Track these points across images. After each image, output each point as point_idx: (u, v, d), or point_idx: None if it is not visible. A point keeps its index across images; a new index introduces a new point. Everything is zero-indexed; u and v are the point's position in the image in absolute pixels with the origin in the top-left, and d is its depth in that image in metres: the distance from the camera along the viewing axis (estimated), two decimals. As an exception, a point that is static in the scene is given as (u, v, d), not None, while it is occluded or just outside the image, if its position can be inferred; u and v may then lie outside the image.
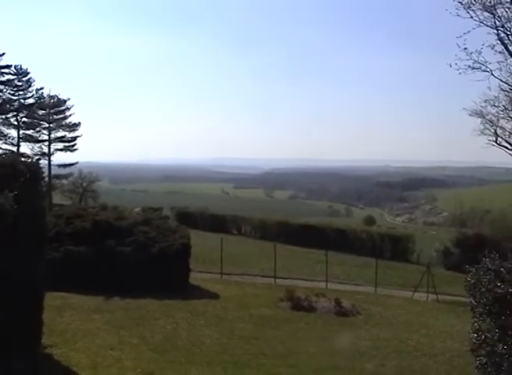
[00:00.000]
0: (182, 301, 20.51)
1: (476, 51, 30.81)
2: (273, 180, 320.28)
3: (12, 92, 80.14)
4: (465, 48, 30.55)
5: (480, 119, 33.54)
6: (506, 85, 32.18)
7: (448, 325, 21.07)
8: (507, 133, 33.10)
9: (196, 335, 16.23)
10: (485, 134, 33.67)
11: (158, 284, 21.18)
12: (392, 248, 47.15)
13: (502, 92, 32.68)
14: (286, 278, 29.85)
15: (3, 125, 79.89)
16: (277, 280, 29.27)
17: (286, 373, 13.73)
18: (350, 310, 21.64)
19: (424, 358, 16.06)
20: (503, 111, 32.96)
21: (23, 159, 11.59)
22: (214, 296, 22.61)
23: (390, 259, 43.08)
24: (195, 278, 24.79)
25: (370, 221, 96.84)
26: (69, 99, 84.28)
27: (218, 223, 56.34)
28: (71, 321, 16.43)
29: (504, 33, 30.45)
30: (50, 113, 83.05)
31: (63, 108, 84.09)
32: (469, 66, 30.92)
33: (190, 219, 55.66)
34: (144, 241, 22.97)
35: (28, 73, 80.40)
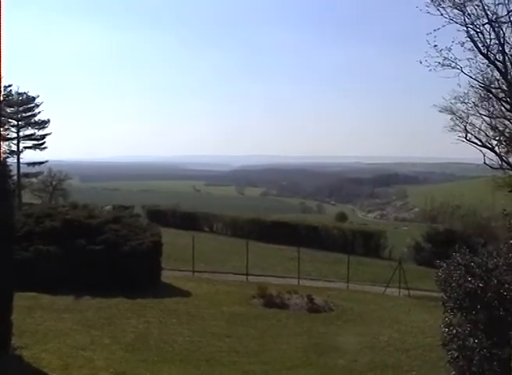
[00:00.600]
0: (153, 299, 20.41)
1: (446, 48, 31.15)
2: (244, 178, 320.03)
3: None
4: (435, 45, 30.87)
5: (450, 116, 33.83)
6: (475, 82, 32.54)
7: (420, 320, 21.25)
8: (477, 129, 33.47)
9: (168, 333, 16.17)
10: (455, 131, 33.99)
11: (130, 283, 21.08)
12: (364, 244, 47.46)
13: (471, 89, 33.04)
14: (258, 275, 29.90)
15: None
16: (249, 277, 29.31)
17: (259, 370, 13.74)
18: (322, 306, 21.72)
19: (396, 353, 16.18)
20: (472, 107, 33.33)
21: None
22: (186, 294, 22.54)
23: (362, 255, 43.36)
24: (167, 276, 24.69)
25: (342, 217, 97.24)
26: (38, 96, 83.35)
27: (189, 221, 56.15)
28: (41, 321, 16.25)
29: (474, 30, 30.85)
30: (18, 111, 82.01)
31: (32, 105, 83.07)
32: (439, 63, 31.27)
33: (161, 217, 55.45)
34: (115, 240, 22.81)
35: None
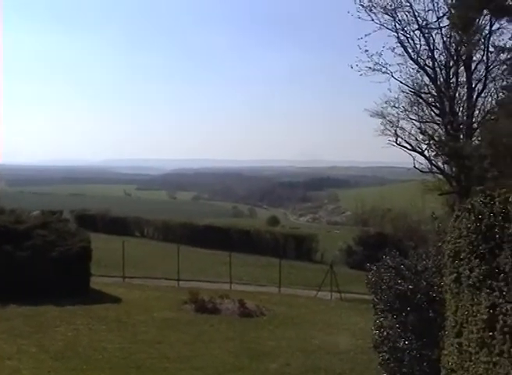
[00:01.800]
0: (83, 306, 20.12)
1: (377, 53, 31.83)
2: (176, 181, 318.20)
3: None
4: (366, 50, 31.45)
5: (381, 120, 34.32)
6: (405, 87, 33.24)
7: (351, 323, 21.52)
8: (407, 133, 34.01)
9: (97, 341, 15.96)
10: (385, 135, 34.41)
11: (58, 290, 20.70)
12: (296, 247, 47.74)
13: (402, 94, 33.65)
14: (189, 280, 29.74)
15: None
16: (181, 282, 29.15)
17: (191, 376, 13.70)
18: (254, 311, 21.78)
19: (328, 356, 16.34)
20: (402, 112, 33.85)
21: None
22: (116, 300, 22.29)
23: (294, 259, 43.59)
24: (96, 282, 24.36)
25: (274, 221, 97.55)
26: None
27: (119, 226, 55.48)
28: (-36, 331, 15.83)
29: (404, 36, 31.69)
30: None
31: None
32: (370, 68, 31.89)
33: (90, 222, 54.53)
34: (43, 245, 22.37)
35: None
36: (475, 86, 31.92)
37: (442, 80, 32.06)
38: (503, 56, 30.99)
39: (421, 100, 33.47)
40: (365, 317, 18.96)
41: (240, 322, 20.29)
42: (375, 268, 12.44)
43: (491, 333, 7.86)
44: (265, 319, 21.16)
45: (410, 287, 11.49)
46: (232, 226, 52.78)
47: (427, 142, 33.47)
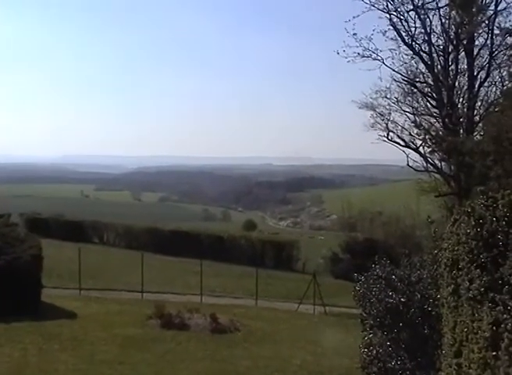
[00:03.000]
0: (32, 322, 19.91)
1: (366, 37, 31.44)
2: (140, 181, 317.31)
3: None
4: (354, 34, 31.19)
5: (370, 113, 34.25)
6: (398, 75, 32.95)
7: (336, 340, 21.48)
8: (400, 127, 33.90)
9: (49, 362, 15.78)
10: (376, 129, 34.38)
11: (4, 304, 20.45)
12: (275, 255, 47.80)
13: (394, 83, 33.48)
14: (155, 292, 29.65)
15: None
16: (145, 294, 29.02)
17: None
18: (227, 326, 21.71)
19: (310, 378, 16.31)
20: (395, 103, 33.72)
21: None
22: (71, 316, 22.09)
23: (273, 268, 43.61)
24: (49, 295, 24.13)
25: (250, 226, 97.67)
26: None
27: (76, 231, 55.13)
28: None
29: (397, 17, 31.19)
30: None
31: None
32: (358, 54, 31.61)
33: (42, 226, 54.12)
34: (-13, 253, 22.13)
35: None
36: (477, 74, 31.63)
37: (439, 67, 31.88)
38: (509, 40, 30.68)
39: (415, 90, 33.35)
40: (352, 334, 18.96)
41: (211, 339, 20.20)
42: (363, 278, 12.43)
43: (494, 353, 7.72)
44: (240, 336, 21.09)
45: (402, 300, 11.48)
46: (204, 232, 52.73)
47: (422, 137, 33.41)
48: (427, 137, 33.15)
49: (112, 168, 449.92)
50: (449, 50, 31.49)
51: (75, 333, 19.22)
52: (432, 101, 32.93)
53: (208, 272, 32.65)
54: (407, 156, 34.37)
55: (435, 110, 32.85)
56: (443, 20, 31.23)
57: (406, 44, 31.56)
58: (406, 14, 31.18)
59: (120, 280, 33.01)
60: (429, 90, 32.92)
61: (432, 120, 33.52)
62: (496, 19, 30.54)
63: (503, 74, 31.57)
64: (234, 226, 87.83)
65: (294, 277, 40.09)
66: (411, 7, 31.01)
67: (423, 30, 31.35)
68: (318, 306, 29.04)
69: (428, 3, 30.93)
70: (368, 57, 31.63)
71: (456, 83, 31.89)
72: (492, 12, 30.44)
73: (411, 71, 32.74)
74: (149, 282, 30.25)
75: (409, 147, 34.02)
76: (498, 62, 31.20)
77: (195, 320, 21.67)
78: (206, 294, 30.20)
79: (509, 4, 29.76)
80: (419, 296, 11.46)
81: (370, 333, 12.12)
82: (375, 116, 34.10)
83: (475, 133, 31.47)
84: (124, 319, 22.20)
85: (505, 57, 31.02)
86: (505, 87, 31.29)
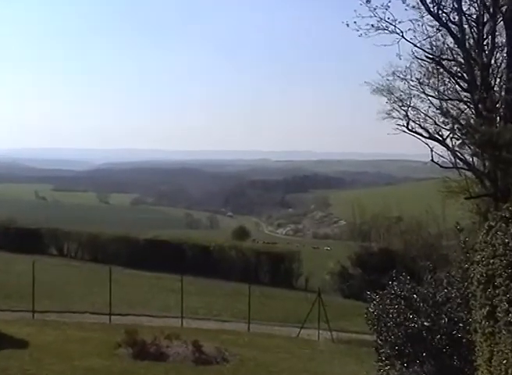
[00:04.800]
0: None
1: (382, 5, 31.15)
2: (109, 180, 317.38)
3: None
4: (367, 1, 30.94)
5: (387, 98, 34.13)
6: (421, 51, 32.66)
7: (346, 372, 21.43)
8: (422, 115, 33.75)
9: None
10: (393, 117, 34.28)
11: None
12: (272, 269, 47.76)
13: (415, 61, 33.33)
14: (126, 315, 29.54)
15: None
16: (114, 317, 28.86)
17: None
18: (213, 356, 21.60)
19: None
20: (416, 86, 33.66)
21: None
22: (21, 344, 21.90)
23: (269, 285, 43.60)
24: (-5, 319, 24.07)
25: (242, 234, 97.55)
26: None
27: (29, 240, 54.95)
28: None
29: (421, -21, 31.01)
30: None
31: None
32: (372, 26, 31.29)
33: (-13, 235, 54.18)
34: None
35: None
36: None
37: (472, 41, 31.63)
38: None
39: (442, 69, 33.21)
40: (366, 365, 18.87)
41: (194, 372, 20.09)
42: (378, 298, 12.35)
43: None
44: (229, 368, 20.99)
45: (426, 324, 11.40)
46: (186, 241, 52.66)
47: (450, 127, 33.35)
48: (455, 126, 33.04)
49: (75, 164, 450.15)
50: (484, 20, 31.05)
51: (25, 367, 19.01)
52: (462, 83, 32.74)
53: (190, 290, 32.60)
54: (431, 150, 34.27)
55: (466, 94, 32.67)
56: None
57: (431, 13, 31.00)
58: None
59: (83, 300, 32.87)
60: (459, 69, 32.69)
61: (462, 106, 33.43)
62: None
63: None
64: (222, 235, 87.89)
65: (295, 296, 40.02)
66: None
67: (452, -4, 31.08)
68: (324, 331, 28.95)
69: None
70: (383, 29, 31.35)
71: (493, 61, 31.49)
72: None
73: (437, 46, 32.53)
74: (119, 302, 30.16)
75: (433, 139, 33.93)
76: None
77: (174, 349, 21.57)
78: (188, 317, 30.07)
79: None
80: (446, 320, 11.38)
81: (386, 365, 12.04)
82: (392, 101, 34.07)
83: (515, 121, 31.23)
84: (87, 348, 22.07)
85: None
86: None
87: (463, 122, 32.72)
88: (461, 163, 33.44)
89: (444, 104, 33.66)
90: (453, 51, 32.35)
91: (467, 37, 31.21)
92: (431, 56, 32.67)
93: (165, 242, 52.25)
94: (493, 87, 31.44)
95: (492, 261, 8.77)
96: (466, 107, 33.03)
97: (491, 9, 30.45)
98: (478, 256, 9.34)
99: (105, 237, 54.79)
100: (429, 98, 33.81)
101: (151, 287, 39.43)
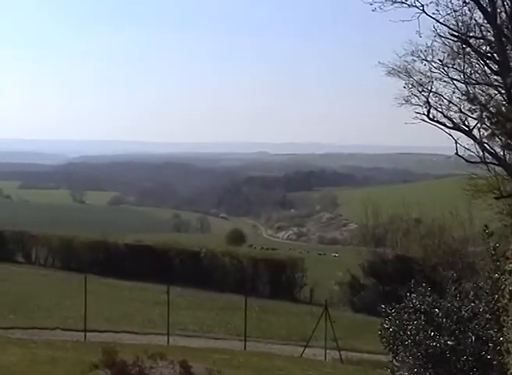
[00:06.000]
0: None
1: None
2: (84, 176, 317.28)
3: None
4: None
5: (405, 81, 34.03)
6: (444, 28, 32.36)
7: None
8: (445, 102, 33.60)
9: None
10: (411, 104, 34.16)
11: None
12: (272, 279, 47.73)
13: (438, 39, 33.12)
14: (103, 331, 29.55)
15: None
16: (89, 334, 28.86)
17: None
18: (204, 379, 21.62)
19: None
20: (439, 68, 33.53)
21: None
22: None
23: (268, 297, 43.63)
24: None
25: (237, 238, 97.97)
26: None
27: (-8, 245, 55.15)
28: None
29: None
30: None
31: None
32: (388, -2, 31.19)
33: None
34: None
35: None
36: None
37: (504, 15, 31.44)
38: None
39: (468, 49, 33.05)
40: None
41: (181, 397, 20.11)
42: (394, 312, 12.31)
43: None
44: (222, 393, 21.02)
45: (449, 343, 11.37)
46: (173, 246, 52.61)
47: (477, 115, 33.25)
48: (484, 114, 32.90)
49: (45, 157, 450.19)
50: (520, -10, 30.98)
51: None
52: (491, 65, 32.60)
53: (178, 302, 32.59)
54: (456, 142, 34.15)
55: (497, 77, 32.54)
56: None
57: (456, -18, 31.09)
58: None
59: (54, 314, 32.86)
60: (488, 48, 32.55)
61: (492, 91, 33.29)
62: None
63: None
64: (215, 239, 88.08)
65: (298, 310, 40.02)
66: None
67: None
68: (332, 350, 28.96)
69: None
70: (401, 3, 31.22)
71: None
72: None
73: (463, 22, 32.18)
74: (95, 317, 30.17)
75: (458, 129, 33.83)
76: None
77: (159, 370, 21.54)
78: (175, 334, 30.09)
79: None
80: (473, 338, 11.34)
81: (404, 390, 12.01)
82: (410, 85, 33.96)
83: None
84: (58, 370, 22.02)
85: None
86: None
87: (492, 109, 32.62)
88: (490, 157, 33.29)
89: (471, 89, 33.53)
90: (482, 28, 32.06)
91: (498, 10, 30.99)
92: (456, 33, 32.41)
93: (149, 248, 52.22)
94: (529, 69, 31.29)
95: (526, 270, 8.75)
96: (496, 92, 32.86)
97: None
98: (511, 265, 9.32)
99: (80, 241, 54.72)
100: (454, 81, 33.65)
101: (133, 299, 39.40)
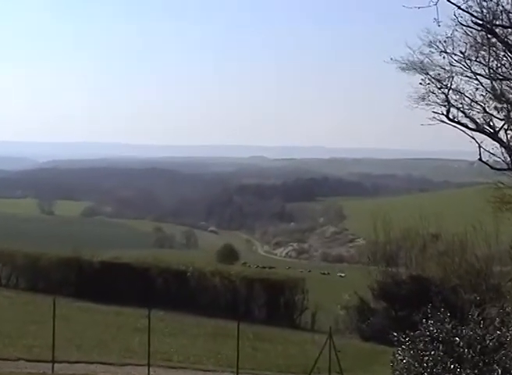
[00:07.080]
0: None
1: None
2: (55, 182, 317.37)
3: None
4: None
5: (421, 76, 34.01)
6: (467, 15, 32.25)
7: None
8: (467, 100, 33.62)
9: None
10: (428, 103, 34.17)
11: None
12: (269, 302, 47.69)
13: (459, 29, 33.08)
14: (74, 362, 29.45)
15: None
16: (58, 366, 28.75)
17: None
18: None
19: None
20: (460, 62, 33.54)
21: None
22: None
23: (264, 323, 43.59)
24: None
25: (229, 255, 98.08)
26: None
27: None
28: None
29: None
30: None
31: None
32: (402, -20, 31.17)
33: None
34: None
35: None
36: None
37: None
38: None
39: (494, 39, 32.99)
40: None
41: None
42: (408, 341, 12.27)
43: None
44: None
45: (472, 377, 11.33)
46: (155, 264, 52.53)
47: (504, 115, 33.28)
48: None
49: (9, 162, 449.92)
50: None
51: None
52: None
53: (160, 328, 32.52)
54: (479, 146, 34.22)
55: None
56: None
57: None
58: None
59: (17, 342, 32.75)
60: (517, 40, 32.57)
61: (522, 88, 33.32)
62: None
63: None
64: (203, 256, 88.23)
65: (298, 338, 39.99)
66: None
67: None
68: (337, 384, 28.97)
69: None
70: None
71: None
72: None
73: (488, 9, 32.14)
74: (65, 346, 30.10)
75: (482, 131, 33.84)
76: None
77: (138, 408, 21.61)
78: (156, 365, 29.99)
79: None
80: (500, 371, 11.30)
81: None
82: (427, 82, 33.97)
83: None
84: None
85: None
86: None
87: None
88: (518, 163, 33.35)
89: (497, 85, 33.51)
90: (511, 15, 32.12)
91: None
92: (480, 22, 32.38)
93: (128, 266, 52.15)
94: None
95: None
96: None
97: None
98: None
99: (48, 258, 54.64)
100: (477, 77, 33.70)
101: (109, 325, 39.34)
